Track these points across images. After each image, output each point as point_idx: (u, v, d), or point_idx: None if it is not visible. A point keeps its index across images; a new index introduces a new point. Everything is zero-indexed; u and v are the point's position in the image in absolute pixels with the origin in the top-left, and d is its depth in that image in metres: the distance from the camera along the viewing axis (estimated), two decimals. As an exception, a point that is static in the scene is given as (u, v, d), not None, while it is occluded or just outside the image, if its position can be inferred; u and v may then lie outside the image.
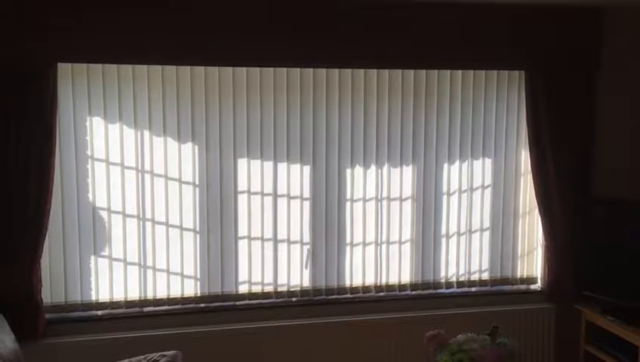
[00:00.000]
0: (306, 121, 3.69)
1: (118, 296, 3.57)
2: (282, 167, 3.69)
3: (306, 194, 3.74)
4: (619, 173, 3.93)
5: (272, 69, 3.61)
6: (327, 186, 3.76)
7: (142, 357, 2.88)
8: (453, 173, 3.91)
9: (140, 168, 3.53)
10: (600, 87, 3.89)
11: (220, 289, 3.69)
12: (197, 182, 3.61)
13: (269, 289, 3.75)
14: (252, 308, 3.71)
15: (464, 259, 3.98)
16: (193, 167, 3.59)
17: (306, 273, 3.79)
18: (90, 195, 3.49)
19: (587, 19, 3.81)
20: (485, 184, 3.96)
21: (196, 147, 3.59)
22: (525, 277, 4.08)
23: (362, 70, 3.71)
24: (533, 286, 4.10)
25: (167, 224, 3.59)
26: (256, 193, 3.68)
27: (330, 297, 3.82)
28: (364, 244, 3.85)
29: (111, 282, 3.56)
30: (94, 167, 3.48)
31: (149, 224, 3.57)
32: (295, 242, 3.76)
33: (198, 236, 3.64)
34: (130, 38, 3.30)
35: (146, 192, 3.55)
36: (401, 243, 3.89)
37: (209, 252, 3.65)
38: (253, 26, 3.43)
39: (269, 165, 3.68)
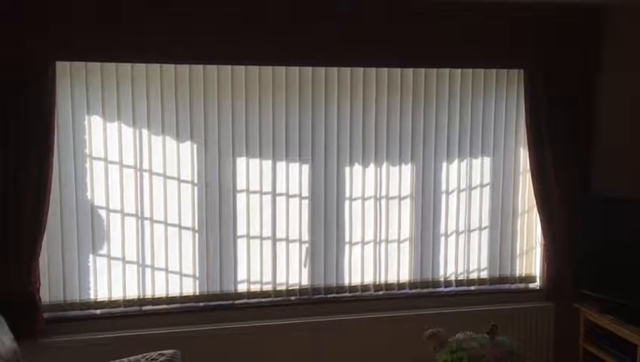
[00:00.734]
0: (304, 119, 3.69)
1: (117, 294, 3.57)
2: (281, 165, 3.69)
3: (305, 192, 3.74)
4: (618, 171, 3.93)
5: (270, 67, 3.60)
6: (326, 185, 3.75)
7: (140, 356, 2.88)
8: (452, 172, 3.91)
9: (138, 167, 3.53)
10: (599, 85, 3.89)
11: (219, 288, 3.68)
12: (195, 181, 3.60)
13: (268, 288, 3.75)
14: (251, 307, 3.71)
15: (463, 258, 3.98)
16: (192, 165, 3.59)
17: (305, 272, 3.79)
18: (88, 194, 3.48)
19: (587, 17, 3.80)
20: (484, 183, 3.96)
21: (195, 146, 3.58)
22: (524, 275, 4.09)
23: (361, 69, 3.71)
24: (532, 285, 4.10)
25: (165, 223, 3.59)
26: (255, 192, 3.68)
27: (328, 296, 3.82)
28: (363, 243, 3.85)
29: (109, 281, 3.55)
30: (93, 165, 3.48)
31: (147, 223, 3.57)
32: (294, 241, 3.76)
33: (196, 235, 3.63)
34: (128, 36, 3.30)
35: (144, 191, 3.55)
36: (400, 241, 3.89)
37: (208, 251, 3.65)
38: (252, 24, 3.43)
39: (267, 164, 3.68)
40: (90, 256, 3.52)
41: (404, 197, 3.87)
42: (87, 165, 3.47)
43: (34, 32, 3.19)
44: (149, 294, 3.60)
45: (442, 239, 3.94)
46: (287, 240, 3.75)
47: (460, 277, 3.99)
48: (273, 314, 3.72)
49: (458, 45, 3.65)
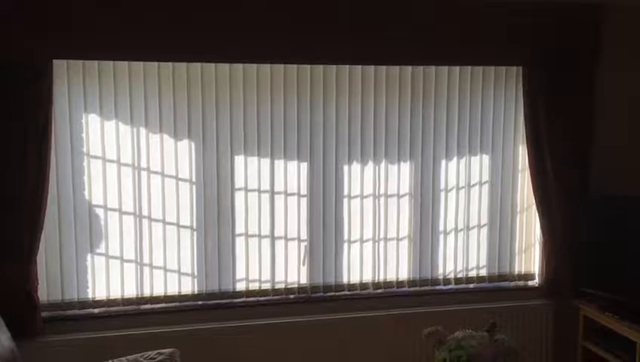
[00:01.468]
0: (303, 117, 3.68)
1: (115, 293, 3.56)
2: (279, 163, 3.68)
3: (304, 191, 3.73)
4: (617, 169, 3.93)
5: (269, 65, 3.59)
6: (325, 183, 3.75)
7: (139, 354, 2.88)
8: (451, 170, 3.90)
9: (136, 165, 3.52)
10: (599, 83, 3.89)
11: (218, 287, 3.68)
12: (194, 180, 3.59)
13: (267, 286, 3.74)
14: (249, 306, 3.71)
15: (462, 256, 3.98)
16: (190, 164, 3.58)
17: (304, 270, 3.78)
18: (86, 193, 3.47)
19: (586, 15, 3.80)
20: (483, 180, 3.96)
21: (193, 144, 3.57)
22: (523, 273, 4.08)
23: (359, 66, 3.70)
24: (531, 283, 4.10)
25: (164, 221, 3.58)
26: (253, 190, 3.67)
27: (327, 294, 3.81)
28: (362, 241, 3.84)
29: (108, 280, 3.54)
30: (90, 164, 3.47)
31: (145, 221, 3.56)
32: (292, 239, 3.75)
33: (195, 233, 3.63)
34: (126, 34, 3.28)
35: (142, 189, 3.54)
36: (398, 239, 3.88)
37: (206, 249, 3.64)
38: (251, 22, 3.42)
39: (266, 162, 3.67)
40: (88, 255, 3.51)
41: (403, 195, 3.86)
42: (85, 164, 3.46)
43: (31, 31, 3.17)
44: (147, 293, 3.60)
45: (441, 237, 3.94)
46: (286, 239, 3.74)
47: (459, 275, 3.99)
48: (272, 313, 3.71)
49: (456, 43, 3.64)
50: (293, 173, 3.71)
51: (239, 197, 3.66)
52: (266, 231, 3.71)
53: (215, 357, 3.55)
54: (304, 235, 3.76)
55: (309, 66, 3.64)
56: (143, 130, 3.51)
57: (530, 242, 4.07)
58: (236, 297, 3.71)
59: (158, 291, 3.61)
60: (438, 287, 3.96)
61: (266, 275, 3.74)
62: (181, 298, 3.64)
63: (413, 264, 3.91)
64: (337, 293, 3.83)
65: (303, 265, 3.78)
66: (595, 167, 3.93)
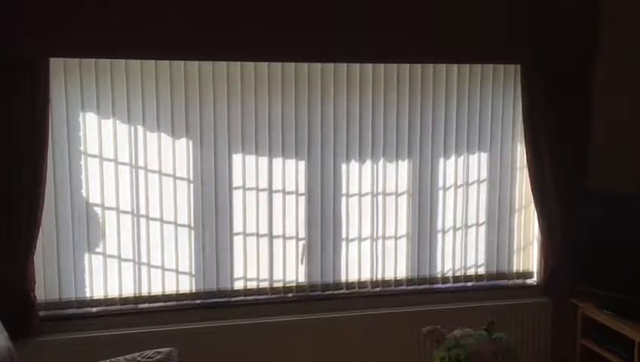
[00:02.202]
0: (301, 116, 3.67)
1: (113, 292, 3.55)
2: (277, 162, 3.67)
3: (302, 189, 3.72)
4: (615, 167, 3.93)
5: (266, 63, 3.58)
6: (323, 181, 3.74)
7: (137, 354, 2.86)
8: (449, 168, 3.89)
9: (133, 164, 3.51)
10: (597, 81, 3.88)
11: (216, 286, 3.67)
12: (191, 178, 3.59)
13: (265, 285, 3.74)
14: (247, 304, 3.70)
15: (460, 254, 3.98)
16: (187, 162, 3.57)
17: (302, 269, 3.78)
18: (83, 191, 3.47)
19: (585, 15, 3.79)
20: (481, 178, 3.95)
21: (190, 142, 3.57)
22: (521, 271, 4.08)
23: (357, 65, 3.69)
24: (529, 281, 4.10)
25: (161, 220, 3.57)
26: (251, 189, 3.66)
27: (326, 293, 3.81)
28: (360, 239, 3.83)
29: (105, 279, 3.54)
30: (87, 163, 3.46)
31: (143, 220, 3.55)
32: (290, 238, 3.74)
33: (192, 232, 3.62)
34: (123, 32, 3.27)
35: (140, 188, 3.53)
36: (397, 238, 3.88)
37: (204, 248, 3.63)
38: (248, 20, 3.41)
39: (263, 160, 3.66)
40: (86, 254, 3.51)
41: (401, 194, 3.86)
42: (82, 162, 3.45)
43: (27, 29, 3.16)
44: (145, 292, 3.59)
45: (439, 235, 3.93)
46: (284, 237, 3.73)
47: (457, 274, 3.99)
48: (270, 312, 3.70)
49: (455, 41, 3.64)
50: (291, 172, 3.70)
51: (237, 195, 3.65)
52: (264, 229, 3.70)
53: (213, 356, 3.54)
54: (302, 234, 3.75)
55: (306, 64, 3.64)
56: (140, 129, 3.50)
57: (528, 240, 4.07)
58: (234, 296, 3.70)
59: (156, 290, 3.60)
60: (436, 286, 3.96)
61: (264, 274, 3.73)
62: (179, 297, 3.63)
63: (412, 262, 3.91)
64: (335, 292, 3.83)
65: (301, 263, 3.77)
66: (593, 164, 3.92)
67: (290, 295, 3.77)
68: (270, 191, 3.68)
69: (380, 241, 3.85)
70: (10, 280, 3.25)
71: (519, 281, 4.08)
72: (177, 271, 3.62)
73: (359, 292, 3.85)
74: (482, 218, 3.98)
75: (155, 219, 3.56)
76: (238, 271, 3.70)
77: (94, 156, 3.46)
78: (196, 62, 3.51)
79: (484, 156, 3.94)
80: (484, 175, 3.95)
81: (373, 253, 3.85)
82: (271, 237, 3.71)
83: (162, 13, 3.31)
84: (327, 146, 3.72)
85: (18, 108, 3.18)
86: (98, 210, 3.50)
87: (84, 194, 3.47)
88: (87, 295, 3.52)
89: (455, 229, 3.95)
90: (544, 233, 3.92)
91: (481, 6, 3.64)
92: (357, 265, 3.84)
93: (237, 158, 3.63)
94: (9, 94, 3.17)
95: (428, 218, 3.89)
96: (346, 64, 3.67)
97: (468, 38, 3.65)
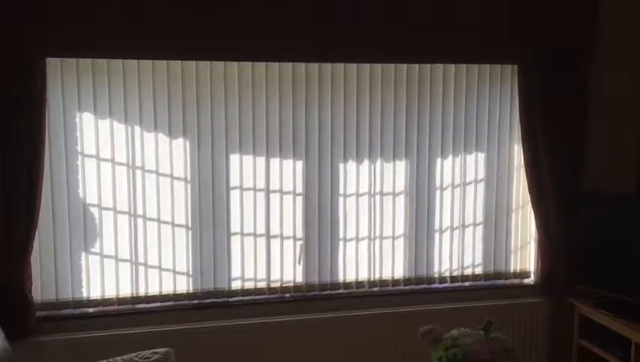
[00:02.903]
0: (298, 115, 3.67)
1: (110, 293, 3.55)
2: (275, 162, 3.67)
3: (299, 189, 3.72)
4: (612, 168, 3.94)
5: (264, 63, 3.58)
6: (320, 181, 3.74)
7: (134, 354, 2.86)
8: (447, 168, 3.90)
9: (130, 164, 3.50)
10: (594, 82, 3.89)
11: (213, 286, 3.67)
12: (189, 178, 3.58)
13: (262, 285, 3.73)
14: (245, 305, 3.70)
15: (457, 254, 3.98)
16: (185, 162, 3.57)
17: (299, 269, 3.77)
18: (80, 192, 3.46)
19: (583, 13, 3.79)
20: (478, 178, 3.96)
21: (188, 142, 3.56)
22: (519, 271, 4.09)
23: (355, 65, 3.69)
24: (526, 281, 4.10)
25: (158, 220, 3.57)
26: (248, 189, 3.66)
27: (323, 293, 3.81)
28: (358, 239, 3.83)
29: (102, 279, 3.53)
30: (84, 163, 3.45)
31: (140, 220, 3.54)
32: (288, 238, 3.74)
33: (190, 232, 3.61)
34: (120, 32, 3.27)
35: (137, 188, 3.52)
36: (394, 238, 3.88)
37: (201, 248, 3.63)
38: (246, 20, 3.40)
39: (261, 160, 3.65)
40: (83, 254, 3.50)
41: (399, 194, 3.86)
42: (79, 162, 3.44)
43: (24, 28, 3.15)
44: (142, 292, 3.58)
45: (437, 235, 3.93)
46: (281, 237, 3.73)
47: (455, 273, 3.99)
48: (267, 312, 3.70)
49: (452, 41, 3.64)
50: (289, 172, 3.70)
51: (234, 195, 3.65)
52: (261, 229, 3.70)
53: (210, 356, 3.54)
54: (300, 234, 3.75)
55: (304, 65, 3.63)
56: (137, 129, 3.49)
57: (525, 240, 4.07)
58: (232, 296, 3.70)
59: (153, 290, 3.60)
60: (433, 285, 3.96)
61: (262, 274, 3.73)
62: (176, 297, 3.63)
63: (409, 262, 3.91)
64: (333, 292, 3.82)
65: (299, 263, 3.77)
66: (591, 164, 3.92)
67: (287, 295, 3.77)
68: (267, 191, 3.68)
69: (377, 241, 3.85)
70: (7, 280, 3.25)
71: (516, 281, 4.09)
72: (175, 272, 3.62)
73: (357, 292, 3.85)
74: (480, 218, 3.98)
75: (152, 219, 3.56)
76: (235, 271, 3.69)
77: (91, 156, 3.45)
78: (194, 62, 3.50)
79: (481, 156, 3.94)
80: (481, 175, 3.95)
81: (371, 252, 3.85)
82: (268, 237, 3.71)
83: (160, 13, 3.30)
84: (325, 146, 3.72)
85: (15, 107, 3.17)
86: (95, 210, 3.49)
87: (81, 195, 3.46)
88: (85, 295, 3.52)
89: (452, 229, 3.95)
90: (541, 233, 3.93)
91: (480, 6, 3.64)
92: (354, 265, 3.84)
93: (234, 158, 3.62)
94: (5, 94, 3.16)
95: (425, 218, 3.90)
96: (343, 64, 3.67)
97: (467, 39, 3.65)
